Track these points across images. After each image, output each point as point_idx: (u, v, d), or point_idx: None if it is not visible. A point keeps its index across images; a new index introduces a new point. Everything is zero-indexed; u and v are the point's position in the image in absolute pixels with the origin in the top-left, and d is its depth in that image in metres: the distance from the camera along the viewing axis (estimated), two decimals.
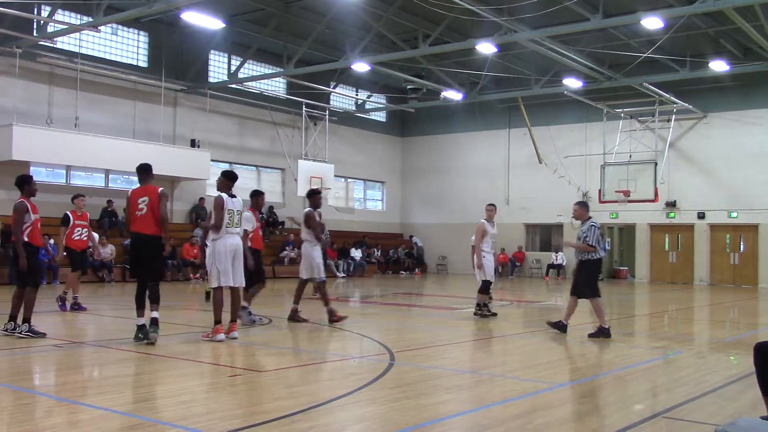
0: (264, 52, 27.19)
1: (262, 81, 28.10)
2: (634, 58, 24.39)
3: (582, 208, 11.24)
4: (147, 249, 9.33)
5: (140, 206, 9.27)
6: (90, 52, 23.99)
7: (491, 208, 13.75)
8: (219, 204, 9.58)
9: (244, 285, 10.08)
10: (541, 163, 31.23)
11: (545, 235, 32.60)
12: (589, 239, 10.76)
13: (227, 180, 9.86)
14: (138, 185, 9.68)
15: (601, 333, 10.73)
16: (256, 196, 11.99)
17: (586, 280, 10.93)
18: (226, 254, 9.58)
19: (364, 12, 22.55)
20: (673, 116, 28.46)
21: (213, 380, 7.47)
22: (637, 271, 30.25)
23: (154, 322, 9.19)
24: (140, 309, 9.30)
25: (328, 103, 31.11)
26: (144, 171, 9.64)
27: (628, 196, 27.49)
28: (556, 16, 20.14)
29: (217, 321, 9.54)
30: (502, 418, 5.84)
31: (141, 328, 9.20)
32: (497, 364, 9.06)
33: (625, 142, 28.51)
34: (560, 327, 11.10)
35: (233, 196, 9.79)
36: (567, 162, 30.62)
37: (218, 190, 9.86)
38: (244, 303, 11.23)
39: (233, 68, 26.80)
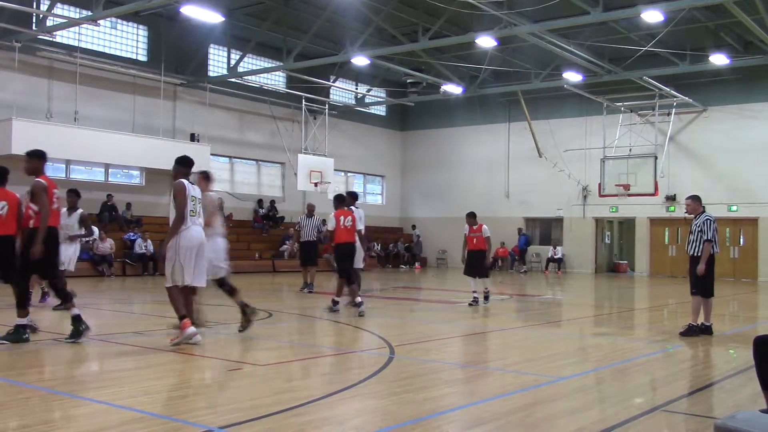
0: (263, 46, 27.14)
1: (261, 75, 28.04)
2: (634, 51, 24.36)
3: (695, 202, 10.87)
4: (57, 245, 8.97)
5: (54, 199, 8.77)
6: (89, 46, 23.98)
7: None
8: (181, 189, 8.48)
9: (204, 285, 8.89)
10: (541, 157, 31.23)
11: (545, 229, 32.63)
12: (705, 234, 10.47)
13: (183, 167, 8.78)
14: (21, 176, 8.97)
15: (694, 331, 10.42)
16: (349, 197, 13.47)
17: (704, 276, 10.48)
18: (190, 249, 8.43)
19: (364, 5, 22.51)
20: (673, 110, 28.46)
21: (213, 374, 7.47)
22: (637, 265, 30.27)
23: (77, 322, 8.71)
24: (27, 308, 8.69)
25: (328, 97, 31.07)
26: (43, 158, 8.90)
27: (628, 189, 27.46)
28: (556, 10, 20.08)
29: (183, 316, 8.48)
30: (502, 412, 5.85)
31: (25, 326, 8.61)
32: (497, 358, 9.07)
33: (625, 136, 28.49)
34: (693, 331, 10.45)
35: (191, 183, 8.78)
36: (567, 156, 30.61)
37: (174, 179, 8.73)
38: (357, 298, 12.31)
39: (233, 62, 26.75)
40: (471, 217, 14.95)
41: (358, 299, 12.37)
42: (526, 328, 12.19)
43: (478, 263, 14.66)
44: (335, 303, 12.72)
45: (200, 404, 6.05)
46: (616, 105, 28.82)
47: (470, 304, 14.42)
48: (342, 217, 12.79)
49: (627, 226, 31.61)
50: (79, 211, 12.93)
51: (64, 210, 13.30)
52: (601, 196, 28.36)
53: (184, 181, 8.62)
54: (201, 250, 8.61)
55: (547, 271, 30.57)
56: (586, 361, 8.92)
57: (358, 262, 13.34)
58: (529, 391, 6.69)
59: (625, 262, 31.57)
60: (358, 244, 13.13)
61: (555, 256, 30.83)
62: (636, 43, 24.23)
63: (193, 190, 8.67)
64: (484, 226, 14.71)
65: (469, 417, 5.79)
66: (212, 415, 5.57)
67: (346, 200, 13.24)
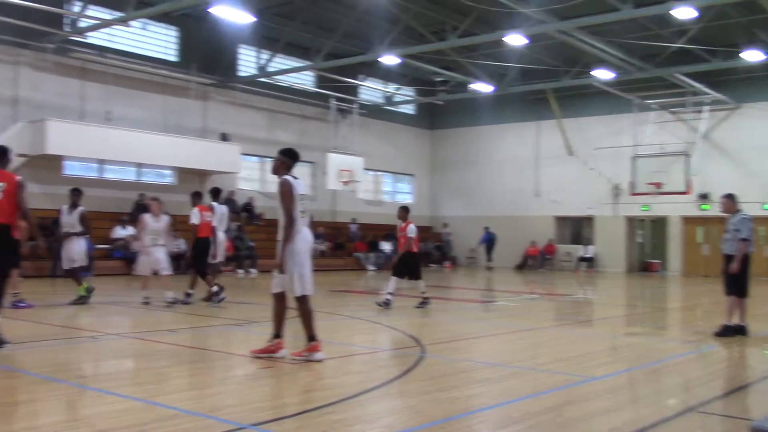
0: (293, 45, 27.24)
1: (291, 74, 28.16)
2: (665, 48, 24.08)
3: (730, 201, 10.76)
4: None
5: None
6: (120, 47, 24.23)
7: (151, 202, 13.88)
8: (288, 189, 7.54)
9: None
10: (571, 155, 31.01)
11: (576, 228, 32.37)
12: (741, 233, 10.35)
13: (289, 159, 7.85)
14: None
15: (728, 332, 10.28)
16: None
17: (739, 276, 10.33)
18: (306, 253, 7.71)
19: (393, 4, 22.49)
20: (706, 107, 28.09)
21: (245, 372, 7.52)
22: (670, 264, 29.92)
23: None
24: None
25: (357, 96, 31.12)
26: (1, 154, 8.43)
27: (660, 188, 27.15)
28: (586, 7, 19.94)
29: (312, 337, 7.82)
30: (533, 412, 5.83)
31: None
32: (528, 357, 9.02)
33: (657, 134, 28.19)
34: (728, 331, 10.30)
35: (295, 178, 7.76)
36: (597, 154, 30.35)
37: (275, 173, 7.83)
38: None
39: (262, 62, 26.90)
40: (402, 210, 14.09)
41: (215, 288, 13.07)
42: (557, 327, 12.11)
43: (402, 263, 13.78)
44: (188, 295, 13.32)
45: (232, 402, 6.10)
46: (647, 102, 28.52)
47: (378, 304, 13.44)
48: (204, 213, 13.55)
49: (659, 224, 31.24)
50: (80, 208, 13.18)
51: (65, 207, 13.37)
52: (632, 194, 28.09)
53: (289, 178, 7.65)
54: (310, 253, 7.90)
55: (578, 271, 30.36)
56: (618, 361, 8.85)
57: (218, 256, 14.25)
58: (560, 391, 6.65)
59: (658, 261, 31.23)
60: (220, 238, 14.17)
61: (586, 255, 30.60)
62: (667, 39, 23.95)
63: (300, 187, 7.69)
64: (411, 225, 13.66)
65: (500, 416, 5.78)
66: (244, 413, 5.61)
67: (203, 196, 14.38)
